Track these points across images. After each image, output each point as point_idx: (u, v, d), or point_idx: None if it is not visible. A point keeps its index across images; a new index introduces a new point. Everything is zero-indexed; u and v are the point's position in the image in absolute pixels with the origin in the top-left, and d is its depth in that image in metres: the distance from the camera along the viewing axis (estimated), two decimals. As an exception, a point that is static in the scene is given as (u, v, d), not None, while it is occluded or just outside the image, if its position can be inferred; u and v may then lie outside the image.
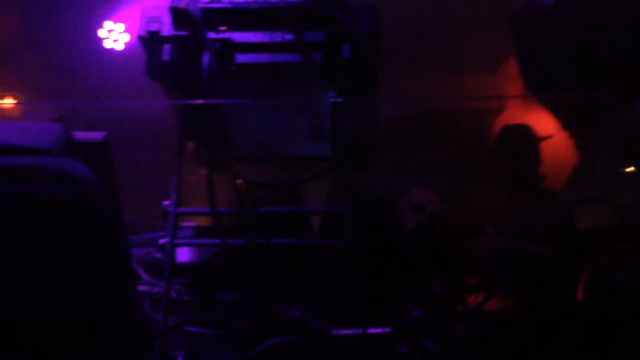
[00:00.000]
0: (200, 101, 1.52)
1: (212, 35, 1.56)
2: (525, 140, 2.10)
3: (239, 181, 1.58)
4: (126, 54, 2.53)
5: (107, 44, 2.67)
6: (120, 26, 2.71)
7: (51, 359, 1.00)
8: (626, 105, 1.84)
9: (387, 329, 1.24)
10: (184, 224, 1.85)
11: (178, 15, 1.57)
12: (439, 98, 1.95)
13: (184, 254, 1.69)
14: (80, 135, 1.23)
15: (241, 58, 1.59)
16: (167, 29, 1.58)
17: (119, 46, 2.72)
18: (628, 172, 2.02)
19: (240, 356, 1.26)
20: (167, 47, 1.57)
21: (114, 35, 2.68)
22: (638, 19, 1.69)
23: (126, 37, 2.71)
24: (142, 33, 1.57)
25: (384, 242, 1.66)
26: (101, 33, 2.65)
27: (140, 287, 1.64)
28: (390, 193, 1.98)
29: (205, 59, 1.53)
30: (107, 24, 2.66)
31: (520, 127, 2.11)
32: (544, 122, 2.09)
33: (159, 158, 1.77)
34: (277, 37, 1.57)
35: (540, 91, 1.93)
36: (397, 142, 2.00)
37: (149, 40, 1.57)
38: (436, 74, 1.99)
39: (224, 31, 1.56)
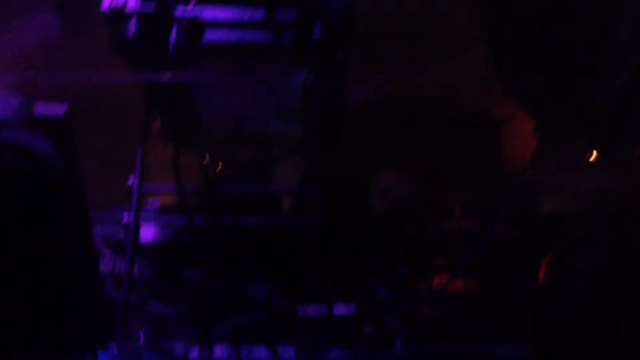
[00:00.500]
0: (167, 75, 1.50)
1: (179, 11, 1.53)
2: (488, 126, 2.12)
3: (206, 160, 1.56)
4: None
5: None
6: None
7: (8, 334, 0.97)
8: (593, 90, 1.87)
9: (353, 309, 1.24)
10: (149, 201, 1.82)
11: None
12: (409, 82, 1.95)
13: (148, 232, 1.67)
14: (41, 107, 1.19)
15: (209, 35, 1.56)
16: (132, 5, 1.54)
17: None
18: (591, 160, 2.05)
19: (204, 334, 1.25)
20: (132, 24, 1.53)
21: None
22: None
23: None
24: (106, 9, 1.54)
25: (352, 223, 1.66)
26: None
27: (103, 265, 1.61)
28: (359, 176, 1.98)
29: (173, 36, 1.50)
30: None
31: (483, 113, 2.13)
32: (507, 107, 2.10)
33: (124, 134, 1.73)
34: (247, 14, 1.55)
35: (507, 74, 1.95)
36: (368, 124, 2.00)
37: (113, 16, 1.54)
38: (413, 59, 1.99)
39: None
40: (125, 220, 1.57)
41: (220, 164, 1.65)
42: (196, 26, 1.54)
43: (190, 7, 1.54)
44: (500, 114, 2.10)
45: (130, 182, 1.57)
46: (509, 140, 2.10)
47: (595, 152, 2.04)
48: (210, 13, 1.55)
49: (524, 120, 2.07)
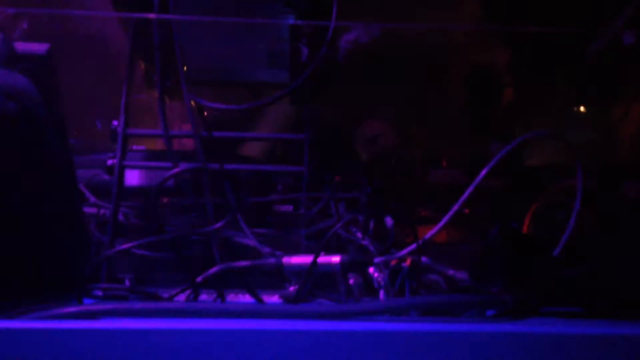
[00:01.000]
0: (152, 15, 1.45)
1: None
2: (490, 81, 2.10)
3: (192, 103, 1.53)
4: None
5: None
6: None
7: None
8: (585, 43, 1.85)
9: (337, 258, 1.24)
10: (134, 146, 1.79)
11: None
12: (405, 24, 1.91)
13: (132, 177, 1.65)
14: (22, 46, 1.16)
15: (196, -26, 1.51)
16: None
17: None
18: (579, 111, 2.05)
19: (189, 279, 1.25)
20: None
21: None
22: None
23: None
24: None
25: (339, 172, 1.66)
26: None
27: (87, 209, 1.60)
28: (346, 123, 1.97)
29: (158, -28, 1.45)
30: None
31: (486, 68, 2.10)
32: (499, 56, 2.08)
33: (108, 76, 1.70)
34: (235, -47, 1.50)
35: (501, 24, 1.92)
36: (357, 71, 1.97)
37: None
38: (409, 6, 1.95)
39: None
40: (109, 163, 1.55)
41: (204, 107, 1.62)
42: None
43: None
44: (493, 64, 2.08)
45: (114, 125, 1.55)
46: (500, 91, 2.09)
47: (583, 106, 2.04)
48: (197, -49, 1.50)
49: (516, 72, 2.06)
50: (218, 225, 1.37)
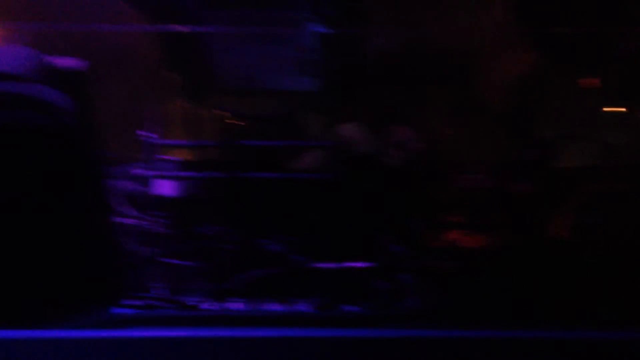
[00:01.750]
0: (183, 28, 1.48)
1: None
2: (526, 84, 2.07)
3: (222, 113, 1.56)
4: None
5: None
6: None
7: (24, 289, 0.99)
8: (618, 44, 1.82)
9: (366, 264, 1.24)
10: (164, 157, 1.82)
11: None
12: (429, 30, 1.91)
13: (163, 187, 1.68)
14: (58, 61, 1.19)
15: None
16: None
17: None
18: (612, 112, 2.01)
19: (218, 288, 1.27)
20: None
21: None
22: None
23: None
24: None
25: (367, 178, 1.66)
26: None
27: (120, 219, 1.63)
28: (375, 130, 1.96)
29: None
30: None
31: (521, 72, 2.07)
32: (529, 58, 2.06)
33: (139, 88, 1.73)
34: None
35: (529, 25, 1.90)
36: (386, 77, 1.97)
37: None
38: (433, 8, 1.93)
39: None
40: (140, 174, 1.58)
41: (234, 117, 1.64)
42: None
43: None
44: (522, 66, 2.06)
45: (145, 136, 1.58)
46: (529, 94, 2.07)
47: (616, 106, 2.00)
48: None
49: (544, 73, 2.03)
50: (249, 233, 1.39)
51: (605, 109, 1.99)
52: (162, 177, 1.63)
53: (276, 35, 1.61)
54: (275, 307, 1.32)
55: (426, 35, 1.99)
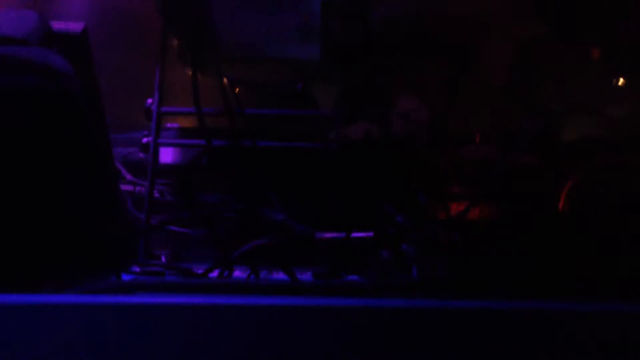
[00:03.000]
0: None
1: None
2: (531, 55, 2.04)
3: (225, 81, 1.54)
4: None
5: None
6: None
7: (32, 257, 0.99)
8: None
9: (370, 234, 1.25)
10: (168, 124, 1.82)
11: None
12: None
13: (167, 155, 1.68)
14: (58, 25, 1.17)
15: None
16: None
17: None
18: (618, 84, 2.00)
19: (223, 255, 1.27)
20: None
21: None
22: None
23: None
24: None
25: (371, 148, 1.66)
26: None
27: (123, 186, 1.63)
28: (379, 98, 1.95)
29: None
30: None
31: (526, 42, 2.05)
32: (535, 28, 2.03)
33: (142, 54, 1.71)
34: None
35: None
36: (392, 45, 1.95)
37: None
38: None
39: None
40: (144, 141, 1.57)
41: (238, 84, 1.63)
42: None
43: None
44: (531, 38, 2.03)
45: (148, 103, 1.57)
46: (533, 64, 2.05)
47: (621, 78, 1.99)
48: None
49: (551, 43, 2.01)
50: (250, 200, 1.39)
51: (612, 82, 1.97)
52: (166, 145, 1.63)
53: (282, 2, 1.59)
54: (280, 276, 1.33)
55: (433, 2, 1.97)
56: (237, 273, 1.33)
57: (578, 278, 1.17)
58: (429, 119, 1.86)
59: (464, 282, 1.08)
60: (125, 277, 1.21)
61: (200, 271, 1.29)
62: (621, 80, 1.97)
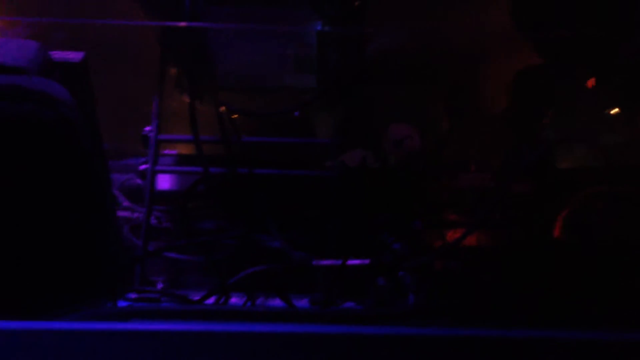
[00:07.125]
0: (182, 24, 1.48)
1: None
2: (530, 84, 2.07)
3: (222, 109, 1.56)
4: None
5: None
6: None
7: (29, 283, 0.99)
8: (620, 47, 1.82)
9: (367, 261, 1.25)
10: (165, 151, 1.83)
11: None
12: (432, 30, 1.91)
13: (164, 181, 1.68)
14: (58, 54, 1.19)
15: (225, -18, 1.54)
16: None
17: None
18: (611, 113, 2.02)
19: (220, 283, 1.27)
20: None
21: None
22: None
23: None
24: None
25: (367, 176, 1.66)
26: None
27: (120, 213, 1.63)
28: (374, 127, 1.97)
29: (188, -19, 1.48)
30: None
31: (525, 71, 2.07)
32: (527, 60, 2.06)
33: (140, 83, 1.73)
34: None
35: (529, 27, 1.90)
36: (386, 76, 1.97)
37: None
38: (434, 8, 1.93)
39: None
40: (141, 168, 1.58)
41: (235, 113, 1.64)
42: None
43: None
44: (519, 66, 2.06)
45: (146, 130, 1.58)
46: (527, 93, 2.07)
47: (616, 107, 2.01)
48: (227, -41, 1.53)
49: (544, 74, 2.03)
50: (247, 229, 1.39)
51: (606, 111, 1.99)
52: (164, 172, 1.63)
53: (279, 33, 1.61)
54: (276, 302, 1.33)
55: (428, 34, 2.00)
56: (234, 299, 1.32)
57: (575, 305, 1.17)
58: (421, 146, 1.87)
59: (460, 309, 1.08)
60: (121, 304, 1.21)
61: (196, 298, 1.29)
62: (615, 110, 1.99)
